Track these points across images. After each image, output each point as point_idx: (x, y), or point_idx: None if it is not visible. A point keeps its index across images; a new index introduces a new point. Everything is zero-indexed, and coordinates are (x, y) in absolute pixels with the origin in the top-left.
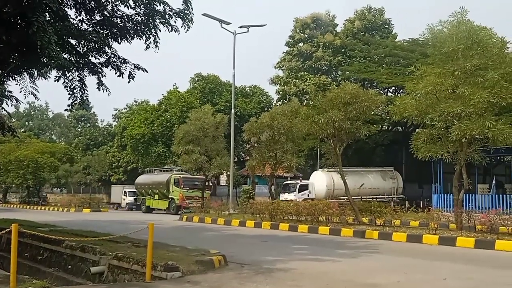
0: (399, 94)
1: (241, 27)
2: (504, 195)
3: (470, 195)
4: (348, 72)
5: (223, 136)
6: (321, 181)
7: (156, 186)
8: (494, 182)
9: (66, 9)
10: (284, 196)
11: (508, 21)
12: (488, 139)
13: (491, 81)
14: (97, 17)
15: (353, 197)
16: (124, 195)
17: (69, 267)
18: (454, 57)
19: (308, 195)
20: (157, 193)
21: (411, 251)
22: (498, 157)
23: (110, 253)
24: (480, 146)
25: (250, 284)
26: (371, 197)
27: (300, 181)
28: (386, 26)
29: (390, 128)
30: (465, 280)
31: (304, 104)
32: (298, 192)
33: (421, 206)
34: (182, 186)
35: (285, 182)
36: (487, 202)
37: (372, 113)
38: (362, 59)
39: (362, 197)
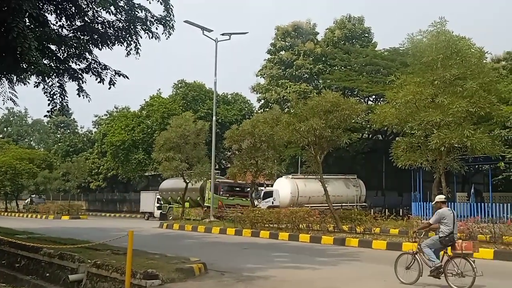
0: (379, 103)
1: (223, 34)
2: (483, 204)
3: (449, 203)
4: (329, 80)
5: (204, 143)
6: (285, 188)
7: (187, 193)
8: (472, 190)
9: (46, 14)
10: (261, 204)
11: (485, 31)
12: (467, 148)
13: (469, 90)
14: (78, 23)
15: (317, 205)
16: (157, 203)
17: (47, 274)
18: (433, 67)
19: (272, 202)
20: (188, 200)
21: (391, 258)
22: (477, 166)
23: (89, 260)
24: (459, 154)
25: None
26: (334, 204)
27: (265, 188)
28: (366, 35)
29: (370, 136)
30: None
31: (285, 112)
32: (263, 199)
33: (401, 214)
34: (221, 193)
35: (261, 188)
36: (466, 211)
37: (353, 121)
38: (342, 67)
39: (325, 205)
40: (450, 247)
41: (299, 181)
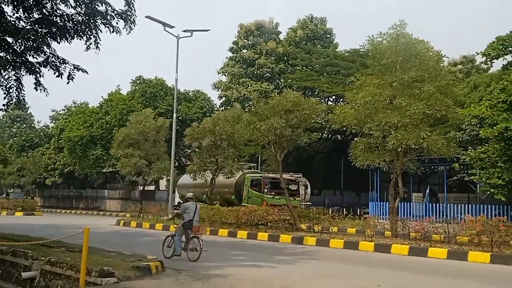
0: (339, 103)
1: (184, 31)
2: (438, 204)
3: (405, 203)
4: (290, 80)
5: (164, 140)
6: None
7: (215, 189)
8: (427, 191)
9: (2, 5)
10: None
11: (442, 35)
12: (423, 149)
13: (427, 93)
14: (36, 15)
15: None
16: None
17: None
18: (392, 69)
19: None
20: (218, 199)
21: (347, 257)
22: (432, 167)
23: (42, 258)
24: (415, 156)
25: None
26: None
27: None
28: (328, 35)
29: (329, 136)
30: (399, 286)
31: (246, 110)
32: None
33: (358, 213)
34: (265, 191)
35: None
36: (421, 211)
37: (313, 121)
38: (304, 67)
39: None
40: (190, 229)
41: None
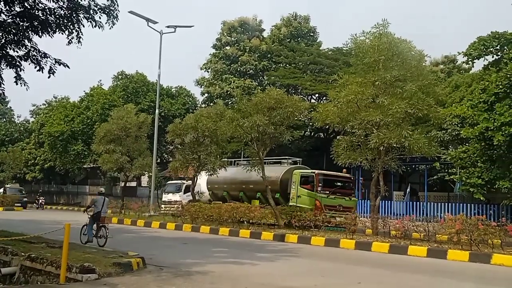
0: (322, 101)
1: (168, 26)
2: (418, 202)
3: (386, 201)
4: (273, 77)
5: (146, 136)
6: (205, 182)
7: (255, 186)
8: (408, 189)
9: None
10: (168, 197)
11: (425, 34)
12: (405, 148)
13: (409, 92)
14: (17, 9)
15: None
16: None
17: None
18: (375, 68)
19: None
20: (259, 197)
21: (328, 255)
22: (413, 166)
23: (22, 253)
24: (397, 154)
25: (169, 287)
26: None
27: (186, 181)
28: (311, 34)
29: (312, 134)
30: (378, 284)
31: (229, 107)
32: (184, 193)
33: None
34: (319, 189)
35: (168, 182)
36: (402, 209)
37: (296, 118)
38: (287, 65)
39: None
40: (98, 220)
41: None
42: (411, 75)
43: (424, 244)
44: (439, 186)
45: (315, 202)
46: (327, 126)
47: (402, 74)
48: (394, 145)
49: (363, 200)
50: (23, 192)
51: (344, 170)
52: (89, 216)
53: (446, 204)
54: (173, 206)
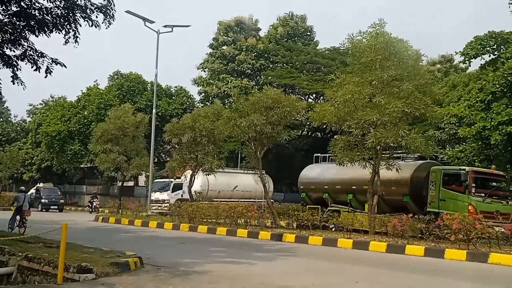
0: (319, 101)
1: (165, 26)
2: None
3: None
4: (270, 77)
5: (143, 136)
6: (195, 181)
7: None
8: None
9: None
10: (156, 196)
11: (421, 34)
12: (402, 147)
13: (406, 91)
14: (14, 8)
15: (226, 200)
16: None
17: None
18: (372, 67)
19: (182, 195)
20: (380, 202)
21: (326, 254)
22: None
23: (20, 253)
24: (394, 153)
25: (166, 287)
26: (243, 200)
27: (174, 179)
28: (308, 33)
29: (309, 133)
30: (376, 284)
31: (226, 106)
32: (172, 192)
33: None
34: (473, 190)
35: (156, 180)
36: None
37: (293, 118)
38: (284, 64)
39: (234, 200)
40: (20, 213)
41: (210, 176)
42: (408, 74)
43: (421, 243)
44: None
45: (467, 207)
46: (324, 126)
47: (399, 74)
48: (391, 145)
49: None
50: (59, 192)
51: (493, 166)
52: (13, 210)
53: None
54: (160, 205)
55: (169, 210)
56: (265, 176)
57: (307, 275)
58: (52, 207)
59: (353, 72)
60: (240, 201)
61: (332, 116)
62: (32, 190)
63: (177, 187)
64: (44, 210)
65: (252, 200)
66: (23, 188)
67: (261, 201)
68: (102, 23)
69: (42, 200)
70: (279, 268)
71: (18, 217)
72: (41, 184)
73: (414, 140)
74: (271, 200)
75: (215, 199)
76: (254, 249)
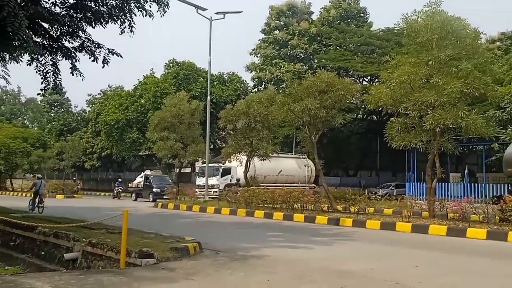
0: (374, 83)
1: (217, 13)
2: (476, 184)
3: (443, 183)
4: (323, 60)
5: (199, 123)
6: (240, 167)
7: None
8: (466, 171)
9: None
10: (203, 181)
11: (480, 12)
12: (461, 128)
13: (464, 71)
14: (71, 1)
15: (271, 184)
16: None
17: (42, 253)
18: (428, 47)
19: (230, 180)
20: None
21: (384, 238)
22: (470, 147)
23: (84, 239)
24: (453, 135)
25: (225, 271)
26: (287, 185)
27: (223, 164)
28: (362, 14)
29: (365, 116)
30: (437, 267)
31: (280, 91)
32: (221, 177)
33: (395, 194)
34: None
35: (203, 165)
36: (459, 191)
37: (348, 101)
38: (337, 47)
39: (279, 184)
40: (38, 195)
41: (256, 160)
42: (466, 53)
43: (483, 227)
44: (498, 166)
45: None
46: (380, 108)
47: (456, 53)
48: (450, 126)
49: (419, 183)
50: (170, 180)
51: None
52: (32, 193)
53: (506, 185)
54: (209, 190)
55: (219, 195)
56: (307, 160)
57: (366, 259)
58: (165, 197)
59: (409, 53)
60: (285, 186)
61: (388, 98)
62: (139, 178)
63: (226, 172)
64: (155, 200)
65: (295, 184)
66: (40, 175)
67: (304, 185)
68: (157, 12)
69: (154, 190)
70: (337, 253)
71: (37, 200)
72: (148, 171)
73: (475, 121)
74: (313, 185)
75: (261, 184)
76: (311, 234)
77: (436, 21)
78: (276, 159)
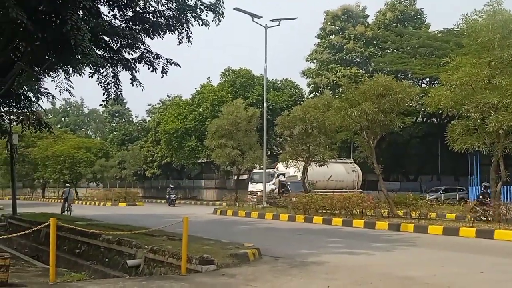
0: (433, 86)
1: (272, 20)
2: None
3: (508, 187)
4: (380, 64)
5: (256, 130)
6: (293, 171)
7: None
8: None
9: (99, 6)
10: (257, 187)
11: None
12: None
13: None
14: (130, 13)
15: (321, 190)
16: None
17: (106, 260)
18: (490, 47)
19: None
20: None
21: (447, 244)
22: None
23: (146, 246)
24: None
25: (285, 277)
26: (336, 190)
27: (278, 170)
28: (419, 16)
29: (424, 119)
30: (503, 274)
31: (336, 96)
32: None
33: (457, 198)
34: None
35: (255, 171)
36: None
37: (406, 105)
38: (394, 50)
39: (329, 190)
40: (67, 201)
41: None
42: None
43: None
44: None
45: None
46: (440, 111)
47: None
48: None
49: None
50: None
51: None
52: (62, 199)
53: None
54: (261, 195)
55: (276, 201)
56: (354, 165)
57: (428, 265)
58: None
59: (469, 54)
60: (334, 191)
61: (448, 100)
62: (271, 186)
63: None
64: None
65: (344, 190)
66: (68, 184)
67: (352, 191)
68: (212, 21)
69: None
70: (398, 259)
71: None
72: (281, 177)
73: None
74: (360, 190)
75: (314, 190)
76: (371, 240)
77: (497, 20)
78: (326, 164)
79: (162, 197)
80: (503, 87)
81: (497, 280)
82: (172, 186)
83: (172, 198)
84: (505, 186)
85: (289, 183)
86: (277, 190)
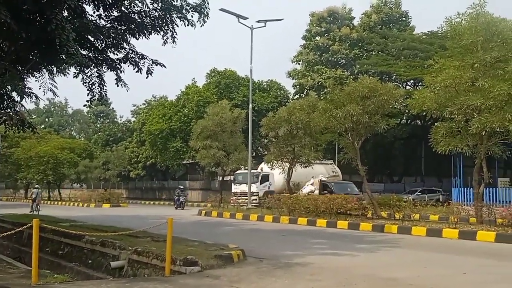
0: (417, 87)
1: (258, 21)
2: None
3: (491, 188)
4: (365, 66)
5: (241, 131)
6: (278, 172)
7: None
8: None
9: (84, 5)
10: (240, 188)
11: None
12: (509, 132)
13: (511, 73)
14: (115, 13)
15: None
16: None
17: (90, 261)
18: (473, 50)
19: (269, 187)
20: None
21: (431, 245)
22: None
23: (130, 248)
24: (501, 139)
25: (269, 279)
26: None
27: (262, 171)
28: (403, 18)
29: (408, 121)
30: (486, 275)
31: (321, 98)
32: (260, 184)
33: (441, 200)
34: None
35: (238, 172)
36: (508, 196)
37: (391, 106)
38: (379, 52)
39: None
40: (35, 201)
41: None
42: None
43: None
44: None
45: None
46: (424, 113)
47: (503, 55)
48: (497, 130)
49: (465, 188)
50: (356, 189)
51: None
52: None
53: None
54: (246, 198)
55: (259, 202)
56: (334, 166)
57: (412, 267)
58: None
59: (453, 56)
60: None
61: (432, 102)
62: (310, 187)
63: (265, 178)
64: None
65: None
66: (37, 186)
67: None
68: (197, 21)
69: None
70: (382, 260)
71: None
72: (321, 176)
73: None
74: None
75: (294, 191)
76: (355, 241)
77: (480, 23)
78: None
79: (146, 198)
80: (486, 89)
81: (480, 281)
82: (182, 187)
83: (181, 200)
84: (487, 188)
85: (332, 183)
86: (317, 191)
